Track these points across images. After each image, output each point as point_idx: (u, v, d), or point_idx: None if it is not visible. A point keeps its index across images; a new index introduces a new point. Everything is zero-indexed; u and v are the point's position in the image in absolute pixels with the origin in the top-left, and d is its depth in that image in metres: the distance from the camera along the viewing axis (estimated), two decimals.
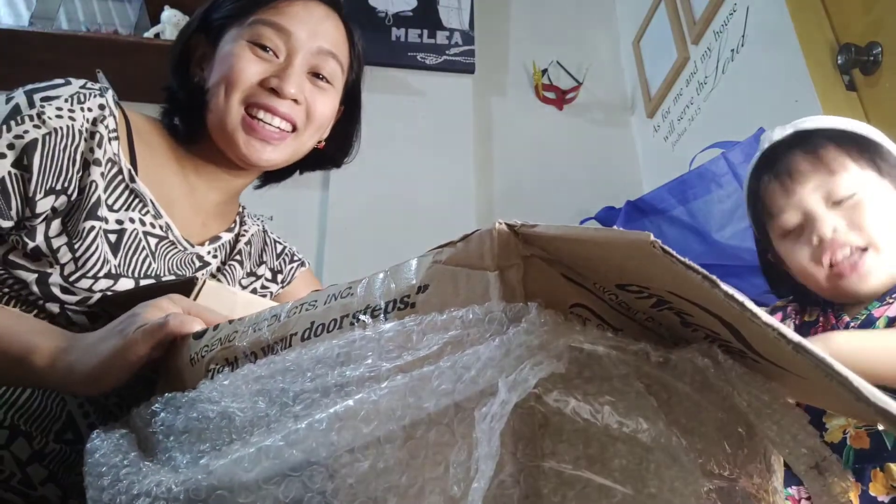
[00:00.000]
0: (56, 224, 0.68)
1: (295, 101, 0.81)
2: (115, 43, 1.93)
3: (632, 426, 0.35)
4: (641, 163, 2.32)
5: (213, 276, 0.85)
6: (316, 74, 0.84)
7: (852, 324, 0.84)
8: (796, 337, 0.31)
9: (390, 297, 0.41)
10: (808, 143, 0.85)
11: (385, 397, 0.34)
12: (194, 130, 0.84)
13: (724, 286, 0.31)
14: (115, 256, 0.70)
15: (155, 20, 2.02)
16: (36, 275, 0.66)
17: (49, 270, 0.66)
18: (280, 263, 1.00)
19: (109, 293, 0.69)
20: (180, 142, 0.85)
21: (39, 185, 0.67)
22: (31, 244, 0.66)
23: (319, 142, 0.91)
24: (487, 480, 0.30)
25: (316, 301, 0.46)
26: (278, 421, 0.39)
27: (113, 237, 0.71)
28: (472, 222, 2.05)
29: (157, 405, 0.48)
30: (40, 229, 0.67)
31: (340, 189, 2.05)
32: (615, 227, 1.70)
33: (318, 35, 0.83)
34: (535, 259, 0.37)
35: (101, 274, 0.68)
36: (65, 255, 0.67)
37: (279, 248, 1.01)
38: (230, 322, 0.52)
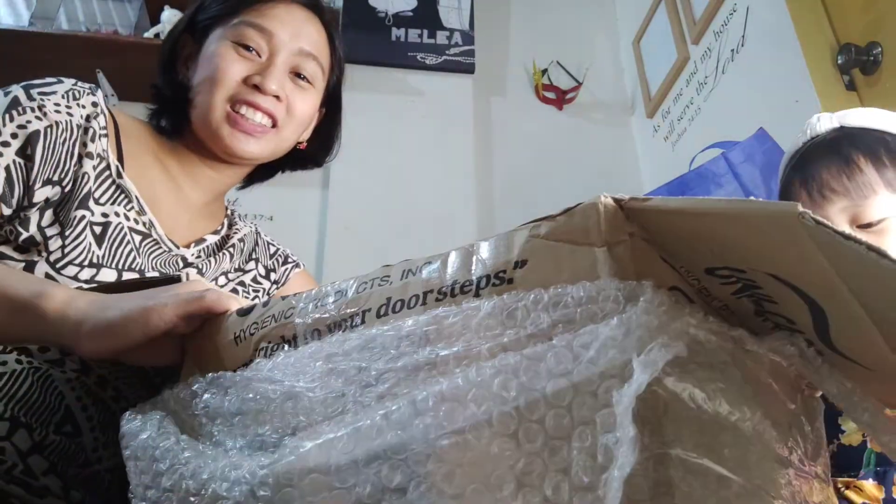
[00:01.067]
0: (49, 214, 0.70)
1: (276, 97, 0.84)
2: (115, 43, 1.93)
3: (738, 415, 0.33)
4: (641, 163, 2.32)
5: (192, 264, 0.85)
6: (297, 74, 0.88)
7: None
8: None
9: (483, 272, 0.38)
10: (846, 159, 0.82)
11: (495, 377, 0.32)
12: (179, 127, 0.87)
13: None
14: (100, 247, 0.72)
15: (155, 20, 2.02)
16: (23, 264, 0.67)
17: (36, 259, 0.68)
18: (273, 263, 1.01)
19: (87, 285, 0.70)
20: (166, 140, 0.87)
21: (39, 175, 0.69)
22: (24, 234, 0.68)
23: (301, 142, 0.94)
24: (628, 468, 0.28)
25: (389, 276, 0.43)
26: (358, 401, 0.37)
27: (98, 229, 0.73)
28: (473, 222, 2.05)
29: (197, 386, 0.45)
30: (34, 219, 0.68)
31: (340, 189, 2.05)
32: None
33: (300, 37, 0.87)
34: (636, 237, 0.35)
35: (85, 262, 0.70)
36: (55, 243, 0.69)
37: (272, 249, 1.02)
38: (283, 298, 0.49)
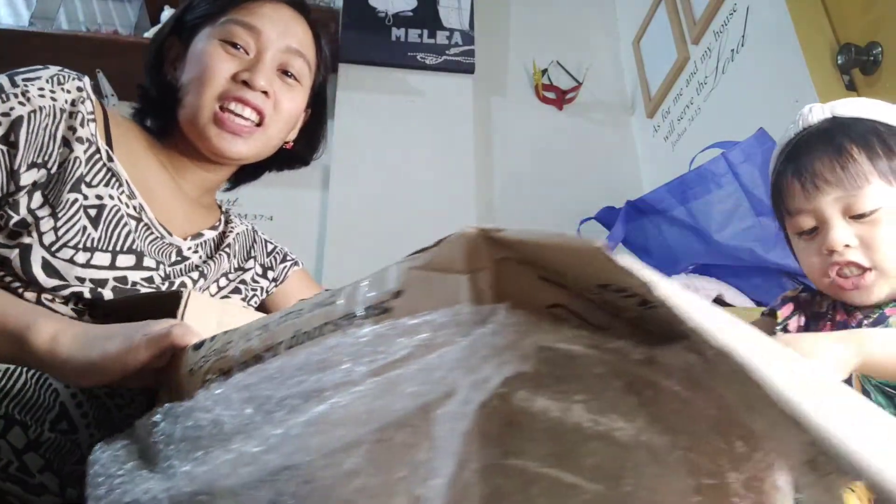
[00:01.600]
0: (38, 196, 0.71)
1: (265, 93, 0.85)
2: (115, 43, 1.93)
3: (606, 424, 0.35)
4: (641, 163, 2.32)
5: (196, 267, 0.86)
6: (285, 72, 0.89)
7: (865, 322, 0.84)
8: (721, 339, 0.28)
9: (369, 303, 0.42)
10: (839, 148, 0.82)
11: (356, 401, 0.35)
12: (166, 128, 0.88)
13: (658, 282, 0.29)
14: (96, 229, 0.73)
15: (155, 20, 2.03)
16: (17, 249, 0.68)
17: (28, 241, 0.68)
18: (271, 261, 1.01)
19: (87, 294, 0.70)
20: (154, 138, 0.88)
21: (23, 160, 0.70)
22: (15, 217, 0.69)
23: (287, 142, 0.95)
24: (445, 478, 0.30)
25: (301, 309, 0.47)
26: (261, 427, 0.40)
27: (93, 212, 0.73)
28: (472, 222, 2.04)
29: (157, 416, 0.49)
30: (23, 202, 0.69)
31: (340, 189, 2.05)
32: (616, 226, 1.70)
33: (287, 35, 0.88)
34: (509, 261, 0.37)
35: (80, 246, 0.71)
36: (46, 224, 0.69)
37: (269, 246, 1.03)
38: (225, 333, 0.54)
